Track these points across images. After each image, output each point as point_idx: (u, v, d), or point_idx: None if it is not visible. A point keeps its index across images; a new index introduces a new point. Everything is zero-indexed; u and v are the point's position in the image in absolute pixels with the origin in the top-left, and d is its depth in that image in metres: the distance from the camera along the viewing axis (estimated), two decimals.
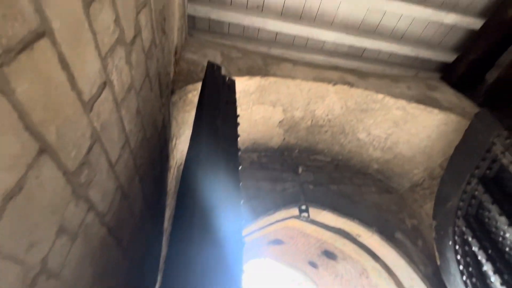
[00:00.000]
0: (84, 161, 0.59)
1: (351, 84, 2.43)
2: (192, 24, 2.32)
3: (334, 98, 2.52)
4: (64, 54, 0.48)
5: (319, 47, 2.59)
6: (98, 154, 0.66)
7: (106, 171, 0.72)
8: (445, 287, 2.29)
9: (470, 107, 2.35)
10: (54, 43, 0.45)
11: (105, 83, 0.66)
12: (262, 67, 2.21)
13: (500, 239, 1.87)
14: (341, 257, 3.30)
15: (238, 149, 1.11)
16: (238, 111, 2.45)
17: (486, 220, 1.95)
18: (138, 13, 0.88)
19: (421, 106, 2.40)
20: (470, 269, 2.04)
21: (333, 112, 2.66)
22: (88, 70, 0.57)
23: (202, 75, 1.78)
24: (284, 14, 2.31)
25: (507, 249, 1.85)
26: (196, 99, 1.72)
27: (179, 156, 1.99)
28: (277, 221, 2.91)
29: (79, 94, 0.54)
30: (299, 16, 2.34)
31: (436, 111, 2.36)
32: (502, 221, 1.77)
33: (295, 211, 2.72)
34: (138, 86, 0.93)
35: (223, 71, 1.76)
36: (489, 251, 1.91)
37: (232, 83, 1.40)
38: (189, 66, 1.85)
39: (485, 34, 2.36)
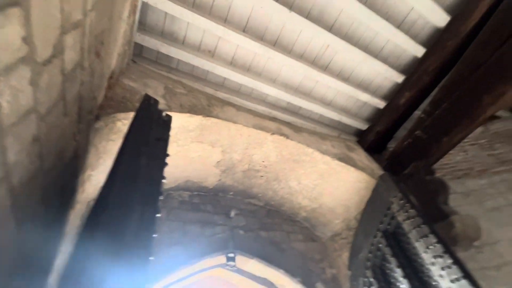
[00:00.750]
0: None
1: (286, 136, 2.66)
2: (139, 51, 2.25)
3: (271, 146, 2.68)
4: None
5: (262, 98, 2.81)
6: None
7: None
8: None
9: (377, 169, 2.82)
10: None
11: None
12: (206, 107, 2.24)
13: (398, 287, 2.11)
14: None
15: (160, 193, 1.01)
16: (175, 147, 2.34)
17: (388, 271, 2.20)
18: (63, 33, 0.79)
19: (342, 164, 2.75)
20: None
21: (269, 159, 2.80)
22: None
23: (138, 105, 1.67)
24: (233, 63, 2.48)
25: None
26: (126, 129, 1.57)
27: (91, 191, 1.70)
28: (202, 270, 2.65)
29: None
30: (247, 68, 2.55)
31: (352, 169, 2.74)
32: (398, 272, 2.03)
33: (222, 259, 2.55)
34: (44, 110, 0.79)
35: (161, 106, 1.70)
36: None
37: (169, 120, 1.35)
38: (124, 93, 1.72)
39: (387, 112, 3.01)
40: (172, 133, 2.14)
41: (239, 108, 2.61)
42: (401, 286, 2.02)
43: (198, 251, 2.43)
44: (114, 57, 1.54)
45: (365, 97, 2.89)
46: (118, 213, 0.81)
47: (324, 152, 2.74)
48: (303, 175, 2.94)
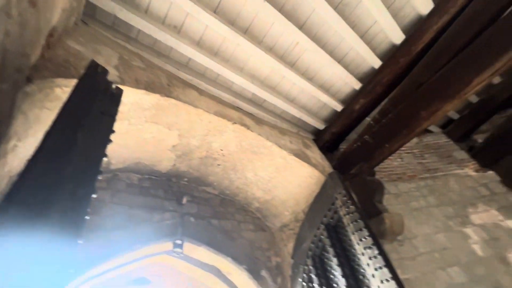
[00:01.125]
0: None
1: (248, 127, 2.66)
2: (92, 12, 1.97)
3: (232, 135, 2.66)
4: None
5: (228, 86, 2.75)
6: None
7: None
8: None
9: (328, 167, 3.03)
10: None
11: None
12: (165, 86, 2.09)
13: (333, 276, 2.33)
14: None
15: (98, 172, 0.91)
16: (125, 125, 2.15)
17: (326, 260, 2.41)
18: None
19: (297, 159, 2.87)
20: None
21: (229, 148, 2.78)
22: None
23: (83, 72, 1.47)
24: (201, 44, 2.36)
25: (336, 285, 2.31)
26: (65, 98, 1.37)
27: (16, 164, 1.46)
28: (146, 256, 2.54)
29: None
30: (214, 52, 2.45)
31: (306, 165, 2.88)
32: (334, 261, 2.24)
33: (169, 245, 2.47)
34: None
35: (113, 77, 1.53)
36: (323, 287, 2.33)
37: (119, 93, 1.22)
38: (68, 56, 1.49)
39: (343, 116, 3.23)
40: (123, 109, 1.97)
41: (202, 92, 2.51)
42: (334, 273, 2.24)
43: (143, 237, 2.31)
44: (56, 11, 1.32)
45: (325, 98, 3.05)
46: (43, 190, 0.71)
47: (282, 147, 2.83)
48: (260, 167, 3.00)
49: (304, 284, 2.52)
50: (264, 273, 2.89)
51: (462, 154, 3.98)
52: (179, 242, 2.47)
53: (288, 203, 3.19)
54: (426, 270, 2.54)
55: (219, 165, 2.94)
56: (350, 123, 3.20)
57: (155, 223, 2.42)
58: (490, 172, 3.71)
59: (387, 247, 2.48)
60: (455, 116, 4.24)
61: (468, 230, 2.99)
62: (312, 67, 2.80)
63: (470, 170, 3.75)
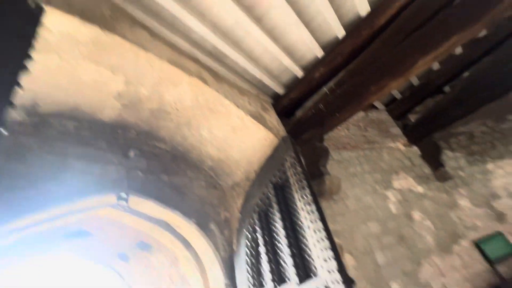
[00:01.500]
0: None
1: (206, 82, 2.50)
2: None
3: (187, 89, 2.48)
4: None
5: (186, 33, 2.47)
6: None
7: None
8: (234, 267, 2.84)
9: (282, 131, 3.13)
10: None
11: None
12: (108, 18, 1.76)
13: (274, 228, 2.59)
14: (156, 247, 3.26)
15: (8, 103, 0.75)
16: (56, 60, 1.81)
17: (270, 214, 2.63)
18: None
19: (254, 121, 2.88)
20: (252, 251, 2.67)
21: (183, 102, 2.61)
22: None
23: None
24: None
25: (277, 237, 2.58)
26: None
27: None
28: (87, 209, 2.39)
29: None
30: None
31: (262, 128, 2.93)
32: (277, 215, 2.46)
33: (112, 198, 2.36)
34: None
35: None
36: (266, 238, 2.58)
37: (37, 13, 0.97)
38: None
39: (303, 82, 3.27)
40: (50, 38, 1.62)
41: (154, 35, 2.21)
42: (276, 225, 2.48)
43: (82, 189, 2.14)
44: None
45: (288, 62, 3.00)
46: None
47: (240, 107, 2.78)
48: (216, 126, 2.94)
49: (248, 235, 2.75)
50: (212, 226, 3.04)
51: (397, 131, 4.53)
52: (124, 195, 2.37)
53: (241, 163, 3.27)
54: (351, 223, 3.01)
55: (172, 119, 2.78)
56: (308, 90, 3.27)
57: (97, 176, 2.25)
58: (415, 148, 4.36)
59: (323, 204, 2.82)
60: (398, 96, 4.70)
61: (389, 193, 3.57)
62: (278, 26, 2.67)
63: (400, 144, 4.33)
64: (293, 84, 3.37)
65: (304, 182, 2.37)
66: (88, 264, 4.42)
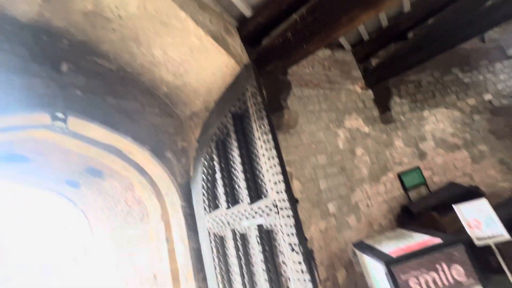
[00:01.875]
0: None
1: None
2: None
3: None
4: None
5: None
6: None
7: None
8: (190, 192, 2.96)
9: (246, 59, 2.91)
10: None
11: None
12: None
13: (231, 156, 2.66)
14: (108, 174, 3.15)
15: None
16: None
17: (228, 144, 2.66)
18: None
19: (215, 44, 2.58)
20: (208, 177, 2.78)
21: (128, 8, 2.14)
22: None
23: None
24: None
25: (233, 164, 2.67)
26: None
27: None
28: (13, 128, 2.07)
29: None
30: None
31: (224, 52, 2.66)
32: (234, 144, 2.50)
33: (45, 118, 2.06)
34: None
35: None
36: (222, 165, 2.66)
37: None
38: None
39: (272, 4, 2.92)
40: None
41: None
42: (233, 153, 2.54)
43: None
44: None
45: None
46: None
47: (199, 24, 2.42)
48: (171, 45, 2.57)
49: (206, 162, 2.80)
50: (169, 154, 3.00)
51: (358, 74, 4.65)
52: (60, 115, 2.07)
53: (200, 91, 3.07)
54: (303, 155, 3.27)
55: (114, 30, 2.31)
56: (277, 14, 2.96)
57: (18, 89, 1.87)
58: (370, 92, 4.60)
59: (280, 136, 2.93)
60: (366, 36, 4.64)
61: (340, 131, 3.87)
62: None
63: (358, 87, 4.52)
64: (262, 6, 2.99)
65: (263, 113, 2.35)
66: (35, 191, 4.18)
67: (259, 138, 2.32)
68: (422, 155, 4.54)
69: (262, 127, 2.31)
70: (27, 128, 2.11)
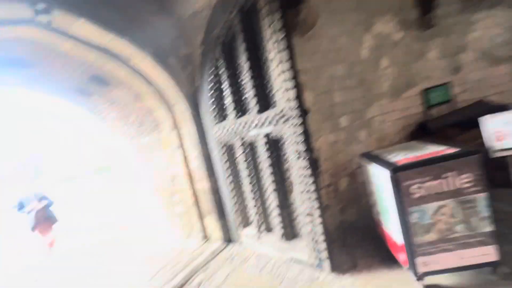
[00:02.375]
0: None
1: None
2: None
3: None
4: None
5: None
6: None
7: None
8: (199, 102, 2.89)
9: None
10: None
11: None
12: None
13: (239, 62, 2.41)
14: (114, 83, 3.06)
15: None
16: None
17: (234, 46, 2.37)
18: None
19: None
20: (215, 85, 2.63)
21: None
22: None
23: None
24: None
25: (241, 70, 2.44)
26: None
27: None
28: None
29: None
30: None
31: None
32: (242, 46, 2.21)
33: (25, 11, 1.81)
34: None
35: None
36: (229, 73, 2.46)
37: None
38: None
39: None
40: None
41: None
42: (240, 57, 2.29)
43: None
44: None
45: None
46: None
47: None
48: None
49: (212, 70, 2.60)
50: (172, 60, 2.77)
51: None
52: (41, 6, 1.81)
53: None
54: (319, 64, 2.94)
55: None
56: None
57: None
58: None
59: (294, 41, 2.55)
60: None
61: (366, 37, 3.33)
62: None
63: None
64: None
65: (276, 6, 1.95)
66: (52, 99, 4.27)
67: (270, 39, 2.01)
68: (456, 68, 3.99)
69: (274, 25, 1.96)
70: (7, 23, 1.89)
